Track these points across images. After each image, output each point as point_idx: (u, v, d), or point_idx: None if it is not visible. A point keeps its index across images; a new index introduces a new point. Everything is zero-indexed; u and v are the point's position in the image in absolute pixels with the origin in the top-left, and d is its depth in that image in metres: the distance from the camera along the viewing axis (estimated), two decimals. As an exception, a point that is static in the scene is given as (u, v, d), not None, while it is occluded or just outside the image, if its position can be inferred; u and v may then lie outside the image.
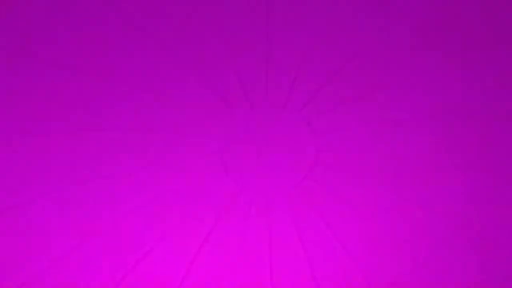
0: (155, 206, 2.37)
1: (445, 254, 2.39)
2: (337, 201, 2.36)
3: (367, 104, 2.28)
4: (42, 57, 2.21)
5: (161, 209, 2.38)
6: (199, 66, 2.25)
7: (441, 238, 2.37)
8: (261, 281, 2.43)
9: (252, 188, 2.36)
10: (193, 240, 2.41)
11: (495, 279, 2.40)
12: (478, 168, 2.32)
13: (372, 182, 2.34)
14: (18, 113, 2.24)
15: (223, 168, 2.34)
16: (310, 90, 2.28)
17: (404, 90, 2.27)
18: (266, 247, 2.41)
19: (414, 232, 2.38)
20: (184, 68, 2.25)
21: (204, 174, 2.35)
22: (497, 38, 2.23)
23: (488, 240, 2.38)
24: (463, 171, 2.31)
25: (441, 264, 2.40)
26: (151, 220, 2.38)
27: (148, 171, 2.33)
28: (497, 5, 2.21)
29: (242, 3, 2.21)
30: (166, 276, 2.42)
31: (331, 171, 2.34)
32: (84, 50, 2.22)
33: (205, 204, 2.38)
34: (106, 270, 2.39)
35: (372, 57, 2.25)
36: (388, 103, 2.28)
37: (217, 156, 2.33)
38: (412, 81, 2.27)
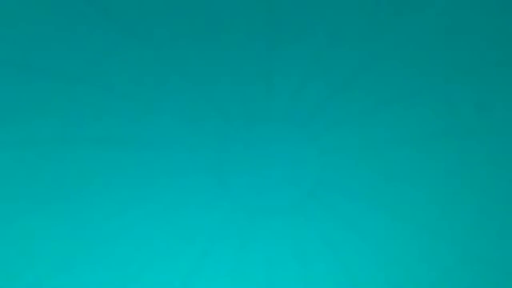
0: (153, 216, 2.34)
1: (446, 273, 2.35)
2: (339, 220, 2.32)
3: (372, 120, 2.22)
4: (38, 68, 2.13)
5: (158, 219, 2.34)
6: (200, 78, 2.18)
7: (442, 258, 2.33)
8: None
9: (252, 205, 2.32)
10: (190, 253, 2.39)
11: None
12: (483, 185, 2.26)
13: (376, 203, 2.29)
14: (16, 120, 2.18)
15: (222, 184, 2.29)
16: (314, 104, 2.21)
17: (411, 106, 2.21)
18: (264, 264, 2.38)
19: (416, 253, 2.34)
20: (184, 79, 2.18)
21: (202, 189, 2.31)
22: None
23: (491, 253, 2.33)
24: (471, 192, 2.26)
25: (441, 283, 2.36)
26: (148, 230, 2.35)
27: (146, 181, 2.28)
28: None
29: (244, 12, 2.12)
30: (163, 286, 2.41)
31: (335, 190, 2.29)
32: (80, 58, 2.14)
33: (202, 220, 2.35)
34: (103, 279, 2.37)
35: (378, 71, 2.17)
36: (393, 119, 2.22)
37: (216, 171, 2.28)
38: (419, 97, 2.20)
